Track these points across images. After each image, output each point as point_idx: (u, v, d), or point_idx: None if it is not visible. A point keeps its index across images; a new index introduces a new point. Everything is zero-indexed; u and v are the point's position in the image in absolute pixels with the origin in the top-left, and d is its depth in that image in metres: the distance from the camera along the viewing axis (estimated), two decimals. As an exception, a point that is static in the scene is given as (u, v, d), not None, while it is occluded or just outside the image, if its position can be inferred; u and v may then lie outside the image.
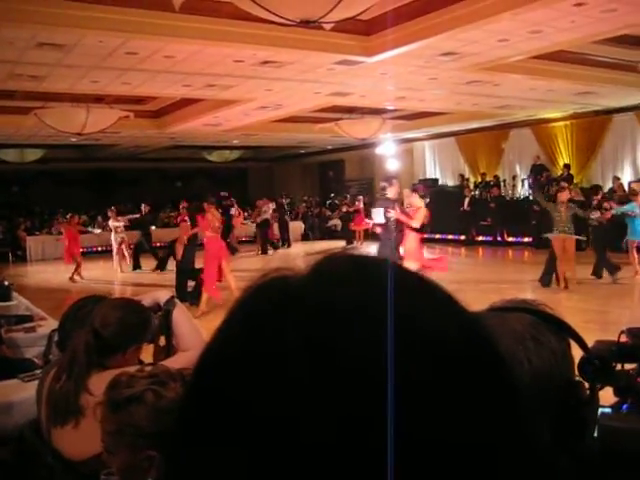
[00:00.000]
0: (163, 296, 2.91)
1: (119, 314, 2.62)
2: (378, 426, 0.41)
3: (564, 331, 0.96)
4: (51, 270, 18.33)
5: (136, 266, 17.32)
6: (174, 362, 2.64)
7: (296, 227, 26.15)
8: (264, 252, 21.52)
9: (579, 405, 0.91)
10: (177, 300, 2.90)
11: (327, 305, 0.46)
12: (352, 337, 0.44)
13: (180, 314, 2.85)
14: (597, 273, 12.26)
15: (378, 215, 10.08)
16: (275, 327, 0.45)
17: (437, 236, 21.80)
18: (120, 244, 17.49)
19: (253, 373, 0.44)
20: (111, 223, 17.96)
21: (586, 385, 0.96)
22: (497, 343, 0.51)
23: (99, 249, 22.25)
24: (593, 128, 19.57)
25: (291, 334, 0.44)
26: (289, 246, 23.33)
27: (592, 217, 12.53)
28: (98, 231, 23.19)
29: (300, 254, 20.31)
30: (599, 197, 14.30)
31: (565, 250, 11.45)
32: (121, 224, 17.83)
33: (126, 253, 17.72)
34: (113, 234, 17.60)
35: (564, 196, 11.81)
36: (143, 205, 19.30)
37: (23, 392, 3.71)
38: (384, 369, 0.42)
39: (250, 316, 0.48)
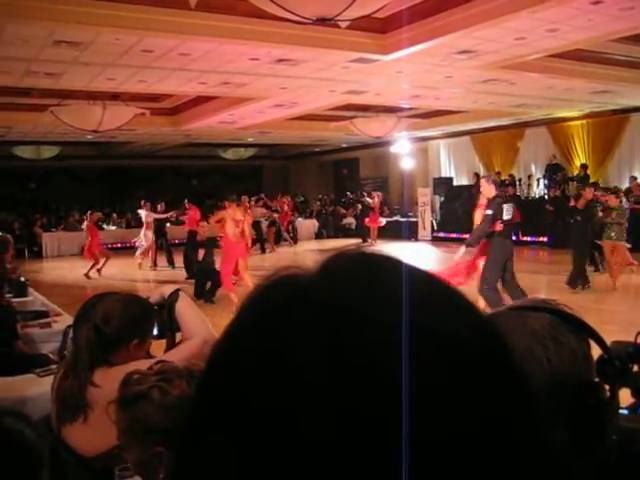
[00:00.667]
0: (168, 291, 2.91)
1: (119, 308, 2.62)
2: (387, 425, 0.41)
3: (584, 331, 0.95)
4: (66, 266, 18.45)
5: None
6: (177, 352, 2.65)
7: (310, 225, 26.17)
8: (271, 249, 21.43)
9: (599, 406, 0.90)
10: (182, 292, 2.89)
11: (335, 304, 0.46)
12: (360, 336, 0.43)
13: (183, 304, 2.83)
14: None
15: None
16: (285, 325, 0.45)
17: (452, 235, 21.78)
18: (149, 241, 17.04)
19: (263, 369, 0.44)
20: (144, 217, 17.37)
21: (605, 386, 0.95)
22: (511, 345, 0.50)
23: (116, 246, 22.32)
24: (610, 127, 19.45)
25: (300, 332, 0.44)
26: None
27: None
28: (113, 228, 23.31)
29: (308, 253, 20.29)
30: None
31: (614, 253, 11.41)
32: (155, 216, 17.32)
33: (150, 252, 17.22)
34: (144, 230, 17.09)
35: (615, 201, 11.64)
36: (159, 205, 19.03)
37: (38, 387, 3.74)
38: (394, 369, 0.42)
39: (260, 314, 0.49)
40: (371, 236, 22.64)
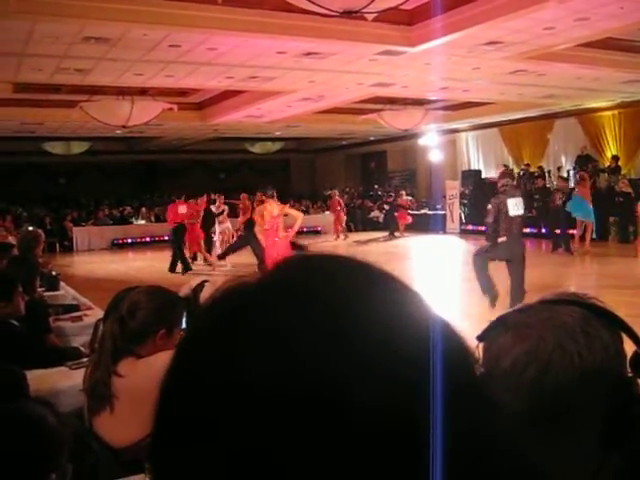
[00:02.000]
0: (195, 283, 2.92)
1: (144, 300, 2.65)
2: (324, 437, 0.41)
3: (616, 325, 0.93)
4: (97, 260, 18.64)
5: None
6: None
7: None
8: None
9: (632, 403, 0.89)
10: (208, 284, 2.89)
11: (274, 319, 0.46)
12: (291, 354, 0.43)
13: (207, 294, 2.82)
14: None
15: None
16: (228, 338, 0.46)
17: (481, 228, 21.63)
18: (223, 234, 16.41)
19: (207, 381, 0.45)
20: (215, 211, 16.67)
21: (639, 382, 0.93)
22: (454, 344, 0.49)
23: (145, 240, 22.54)
24: (642, 118, 19.15)
25: (242, 346, 0.45)
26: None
27: None
28: (142, 222, 23.51)
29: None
30: None
31: None
32: (224, 210, 16.67)
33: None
34: (217, 224, 16.47)
35: None
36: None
37: (70, 380, 3.79)
38: (330, 388, 0.42)
39: (207, 325, 0.49)
40: (399, 230, 22.61)
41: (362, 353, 0.43)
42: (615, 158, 19.34)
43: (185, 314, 2.78)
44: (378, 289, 0.48)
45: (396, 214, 22.96)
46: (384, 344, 0.44)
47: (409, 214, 23.15)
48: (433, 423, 0.42)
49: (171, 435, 0.46)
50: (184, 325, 2.78)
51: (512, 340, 0.91)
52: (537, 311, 0.95)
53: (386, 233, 22.84)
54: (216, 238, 16.60)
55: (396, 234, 22.47)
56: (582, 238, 15.71)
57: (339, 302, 0.46)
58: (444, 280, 12.52)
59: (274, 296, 0.47)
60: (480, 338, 0.95)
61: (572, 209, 15.51)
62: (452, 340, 0.49)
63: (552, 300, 0.97)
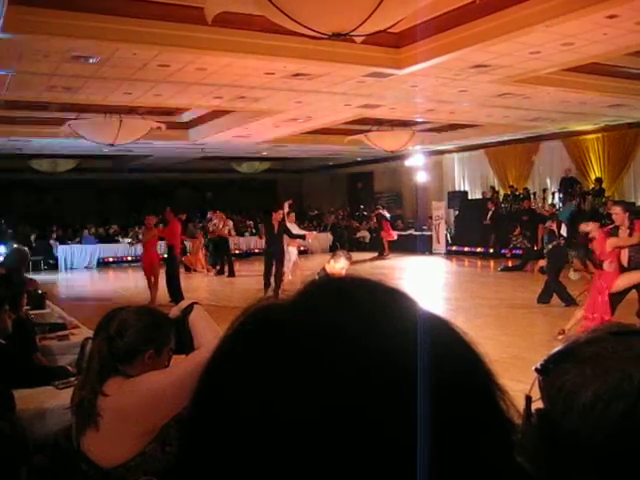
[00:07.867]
0: (185, 305, 2.91)
1: (132, 319, 2.64)
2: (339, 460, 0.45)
3: None
4: (82, 279, 18.54)
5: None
6: (184, 361, 2.65)
7: (324, 238, 26.19)
8: (220, 272, 19.02)
9: None
10: (197, 305, 2.89)
11: (304, 339, 0.48)
12: (320, 376, 0.46)
13: (196, 316, 2.81)
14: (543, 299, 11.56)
15: None
16: (255, 360, 0.48)
17: (467, 249, 21.75)
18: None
19: (235, 399, 0.47)
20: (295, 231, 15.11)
21: None
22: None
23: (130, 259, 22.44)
24: (625, 141, 19.35)
25: (268, 369, 0.47)
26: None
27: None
28: (128, 240, 23.42)
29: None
30: None
31: None
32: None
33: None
34: (288, 246, 14.79)
35: None
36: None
37: (57, 399, 3.76)
38: (350, 409, 0.45)
39: (235, 346, 0.52)
40: (386, 250, 22.70)
41: (389, 356, 0.47)
42: (599, 181, 19.53)
43: (175, 337, 2.78)
44: (397, 304, 0.52)
45: (382, 233, 23.07)
46: (405, 350, 0.47)
47: (393, 231, 23.25)
48: (422, 391, 0.46)
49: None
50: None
51: (591, 374, 0.86)
52: (609, 343, 0.90)
53: (374, 254, 22.93)
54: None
55: (385, 255, 22.55)
56: None
57: (368, 316, 0.49)
58: (432, 300, 12.55)
59: (302, 313, 0.51)
60: (542, 372, 0.91)
61: None
62: (452, 333, 0.54)
63: (620, 331, 0.93)
